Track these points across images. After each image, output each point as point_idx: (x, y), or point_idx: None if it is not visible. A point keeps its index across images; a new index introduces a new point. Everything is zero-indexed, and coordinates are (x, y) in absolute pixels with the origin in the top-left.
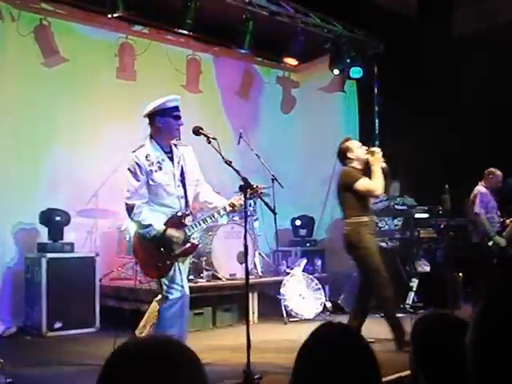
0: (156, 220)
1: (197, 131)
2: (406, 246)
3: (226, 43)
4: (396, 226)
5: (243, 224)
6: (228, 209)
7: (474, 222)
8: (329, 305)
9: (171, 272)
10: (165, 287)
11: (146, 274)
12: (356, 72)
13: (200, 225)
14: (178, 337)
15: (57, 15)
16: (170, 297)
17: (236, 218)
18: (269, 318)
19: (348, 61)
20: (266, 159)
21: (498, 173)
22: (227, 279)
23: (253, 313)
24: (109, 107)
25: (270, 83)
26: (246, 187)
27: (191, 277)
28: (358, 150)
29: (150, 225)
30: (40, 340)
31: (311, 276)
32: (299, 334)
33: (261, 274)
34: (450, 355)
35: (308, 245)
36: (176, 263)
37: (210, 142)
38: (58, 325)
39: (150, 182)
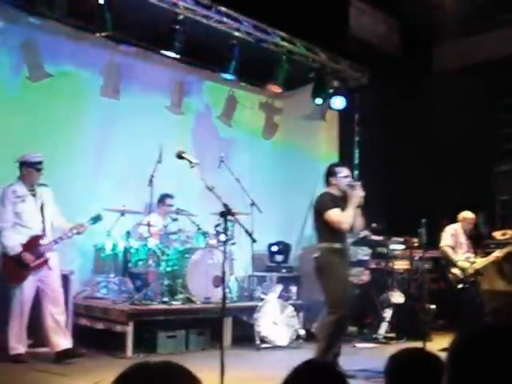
0: (15, 242)
1: (180, 155)
2: (381, 276)
3: (211, 67)
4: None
5: (219, 247)
6: (71, 234)
7: None
8: (302, 332)
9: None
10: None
11: (7, 281)
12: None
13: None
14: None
15: (44, 30)
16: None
17: (213, 242)
18: (242, 344)
19: (330, 91)
20: (246, 184)
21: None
22: (202, 302)
23: (226, 338)
24: (90, 125)
25: (253, 109)
26: (226, 214)
27: (165, 299)
28: (341, 178)
29: (9, 246)
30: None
31: (286, 303)
32: (271, 362)
33: (235, 298)
34: None
35: (284, 271)
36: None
37: (192, 167)
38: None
39: (16, 210)
